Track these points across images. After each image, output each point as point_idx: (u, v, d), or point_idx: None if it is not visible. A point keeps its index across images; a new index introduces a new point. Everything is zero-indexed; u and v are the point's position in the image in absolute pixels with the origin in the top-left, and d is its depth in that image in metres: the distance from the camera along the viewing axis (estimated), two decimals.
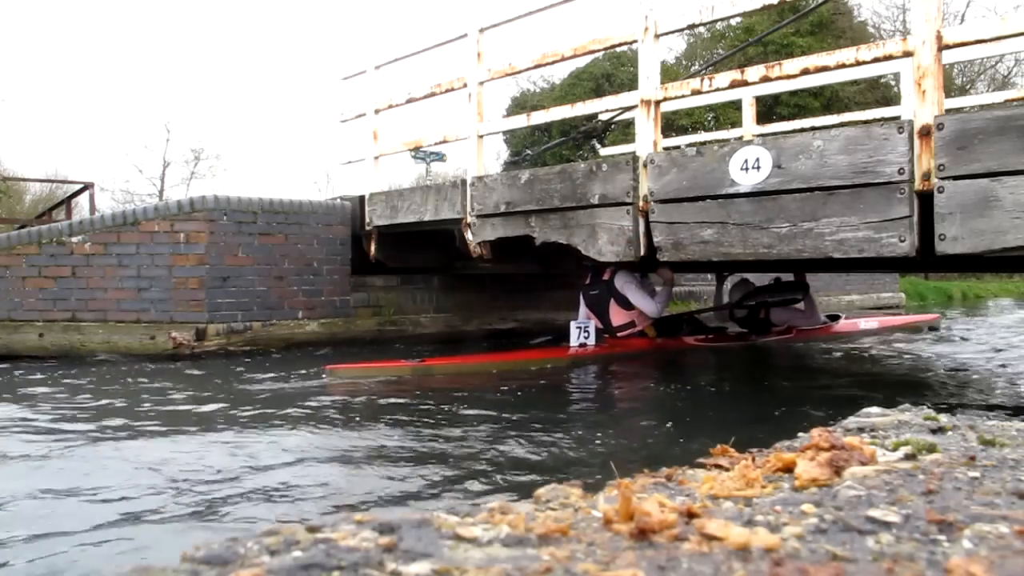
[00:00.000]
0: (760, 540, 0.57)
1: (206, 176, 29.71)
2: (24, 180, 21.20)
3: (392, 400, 4.37)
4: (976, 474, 0.78)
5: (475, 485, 2.69)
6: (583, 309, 6.35)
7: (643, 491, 0.75)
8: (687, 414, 4.07)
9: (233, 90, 46.89)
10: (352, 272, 7.00)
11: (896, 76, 11.54)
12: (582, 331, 6.01)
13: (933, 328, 8.96)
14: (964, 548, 0.56)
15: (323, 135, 44.73)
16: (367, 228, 6.81)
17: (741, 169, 3.77)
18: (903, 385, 5.12)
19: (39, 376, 5.10)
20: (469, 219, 5.43)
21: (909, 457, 0.86)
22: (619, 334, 6.21)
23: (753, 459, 0.85)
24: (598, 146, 17.81)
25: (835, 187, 3.46)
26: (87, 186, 12.52)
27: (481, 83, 5.46)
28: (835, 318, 8.14)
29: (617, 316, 6.16)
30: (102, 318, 6.21)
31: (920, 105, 3.25)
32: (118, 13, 43.81)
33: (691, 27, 5.34)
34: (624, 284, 6.08)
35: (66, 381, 4.94)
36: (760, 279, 7.78)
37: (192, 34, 47.89)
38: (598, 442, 3.33)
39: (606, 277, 6.12)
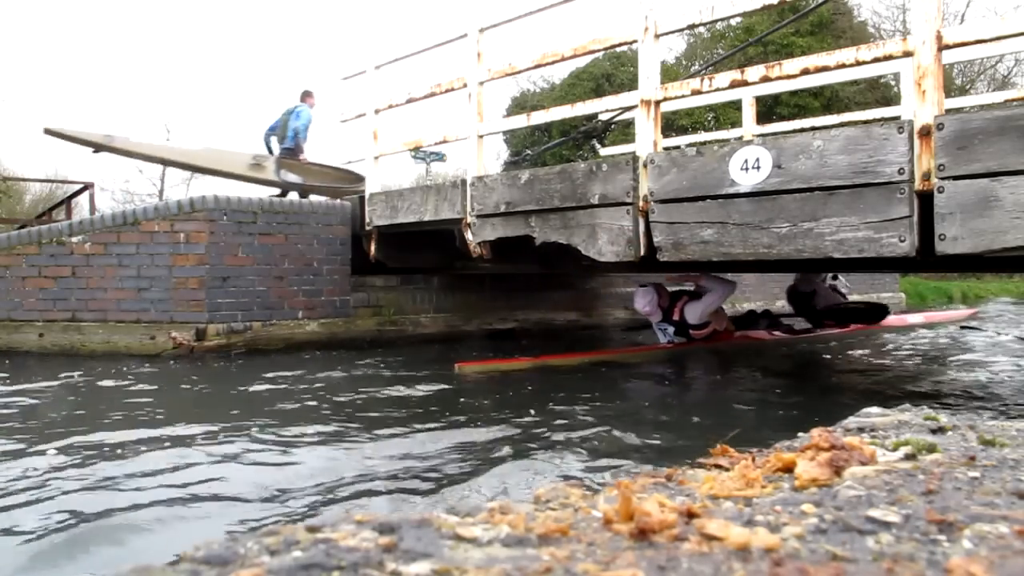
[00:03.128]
0: (760, 540, 0.57)
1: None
2: (24, 180, 21.20)
3: (393, 400, 4.37)
4: (976, 474, 0.77)
5: (484, 482, 2.69)
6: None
7: (643, 491, 0.75)
8: (716, 411, 4.12)
9: (233, 90, 46.89)
10: (352, 272, 7.00)
11: (896, 76, 11.53)
12: (664, 332, 6.56)
13: (967, 327, 9.04)
14: (964, 548, 0.56)
15: (323, 135, 44.69)
16: (367, 228, 6.80)
17: (741, 169, 3.77)
18: (905, 384, 5.12)
19: (43, 375, 5.10)
20: (469, 219, 5.43)
21: (909, 457, 0.86)
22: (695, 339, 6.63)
23: (753, 459, 0.85)
24: (598, 146, 17.81)
25: (835, 187, 3.46)
26: (87, 186, 12.51)
27: (481, 83, 5.46)
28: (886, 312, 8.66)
29: (698, 334, 6.54)
30: (102, 318, 6.21)
31: (920, 105, 3.25)
32: (118, 13, 43.83)
33: (691, 27, 5.34)
34: (695, 313, 6.40)
35: (60, 379, 4.94)
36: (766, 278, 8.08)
37: (192, 34, 47.88)
38: (607, 440, 3.33)
39: (676, 317, 6.46)
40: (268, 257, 6.51)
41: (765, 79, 3.89)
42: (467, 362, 5.47)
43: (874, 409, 1.16)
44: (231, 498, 2.54)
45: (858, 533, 0.60)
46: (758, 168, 3.71)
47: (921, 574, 0.51)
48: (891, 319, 8.54)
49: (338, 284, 6.92)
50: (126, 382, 4.92)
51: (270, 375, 5.21)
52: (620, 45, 4.70)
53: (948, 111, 3.34)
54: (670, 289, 6.71)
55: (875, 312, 8.06)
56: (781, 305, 9.05)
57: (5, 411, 3.94)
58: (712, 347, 6.59)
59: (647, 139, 4.31)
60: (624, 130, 14.64)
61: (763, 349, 7.01)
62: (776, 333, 7.39)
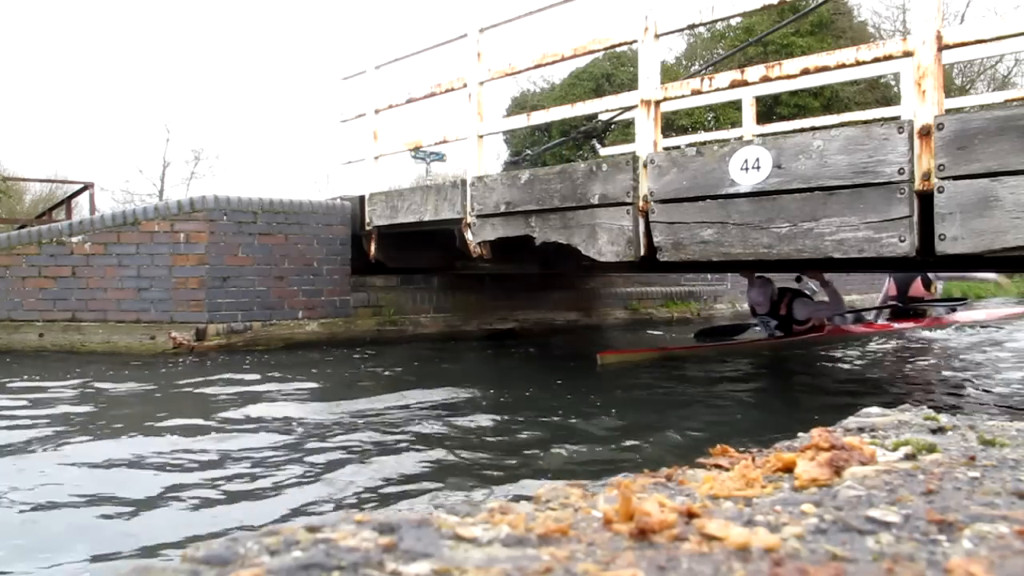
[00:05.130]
0: (760, 540, 0.57)
1: (206, 176, 29.73)
2: (24, 180, 21.20)
3: (392, 399, 4.37)
4: (976, 474, 0.77)
5: (484, 482, 2.69)
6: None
7: (643, 491, 0.75)
8: (720, 411, 4.13)
9: (233, 90, 46.91)
10: (352, 272, 7.00)
11: (896, 76, 11.53)
12: (767, 324, 7.21)
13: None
14: (964, 548, 0.56)
15: (323, 135, 44.75)
16: (367, 228, 6.80)
17: (741, 169, 3.77)
18: (906, 384, 5.12)
19: (43, 376, 5.10)
20: (469, 219, 5.43)
21: (909, 457, 0.86)
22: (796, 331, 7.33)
23: (753, 459, 0.85)
24: (598, 146, 17.79)
25: (835, 187, 3.46)
26: (87, 186, 12.51)
27: (481, 83, 5.46)
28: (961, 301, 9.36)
29: (799, 329, 7.17)
30: (102, 318, 6.21)
31: (920, 105, 3.25)
32: (118, 13, 43.84)
33: (691, 27, 5.34)
34: (804, 312, 6.99)
35: (59, 380, 4.94)
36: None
37: (192, 35, 47.90)
38: (610, 440, 3.33)
39: (783, 312, 7.07)
40: (268, 257, 6.51)
41: (765, 79, 3.89)
42: (608, 352, 5.99)
43: (874, 409, 1.16)
44: (233, 498, 2.54)
45: (858, 533, 0.60)
46: (758, 168, 3.71)
47: (921, 574, 0.51)
48: (959, 316, 9.12)
49: (338, 284, 6.92)
50: (125, 382, 4.92)
51: (270, 374, 5.20)
52: (620, 45, 4.70)
53: (948, 111, 3.34)
54: (778, 286, 7.29)
55: (959, 300, 9.09)
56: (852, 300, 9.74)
57: (8, 411, 3.94)
58: (810, 340, 7.19)
59: (647, 139, 4.31)
60: (624, 130, 14.63)
61: (853, 340, 7.67)
62: (865, 325, 8.19)
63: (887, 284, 9.21)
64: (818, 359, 6.73)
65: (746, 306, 11.10)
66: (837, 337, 7.60)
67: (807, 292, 7.38)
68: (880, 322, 8.56)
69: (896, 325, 8.35)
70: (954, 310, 9.06)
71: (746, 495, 0.72)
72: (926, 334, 8.31)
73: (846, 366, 6.34)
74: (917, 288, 8.75)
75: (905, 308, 8.67)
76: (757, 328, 7.44)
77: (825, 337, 7.44)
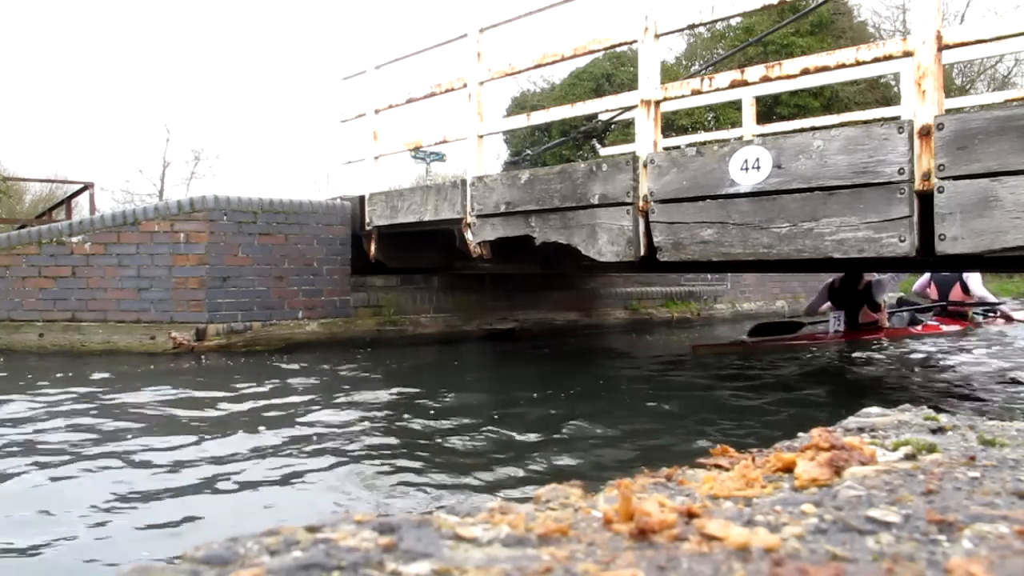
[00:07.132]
0: (760, 540, 0.57)
1: (206, 176, 29.76)
2: (24, 180, 21.22)
3: (387, 398, 4.37)
4: (976, 474, 0.77)
5: (484, 481, 2.69)
6: (827, 305, 7.99)
7: (643, 491, 0.75)
8: (722, 411, 4.15)
9: (233, 90, 46.92)
10: (352, 272, 6.99)
11: (896, 76, 11.53)
12: (836, 320, 7.60)
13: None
14: (964, 548, 0.56)
15: (323, 135, 44.77)
16: (367, 228, 6.80)
17: (741, 169, 3.77)
18: (906, 384, 5.12)
19: (43, 376, 5.10)
20: (469, 219, 5.43)
21: (909, 457, 0.86)
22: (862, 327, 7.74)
23: (753, 459, 0.85)
24: (598, 146, 17.78)
25: (835, 187, 3.46)
26: (87, 186, 12.52)
27: (481, 83, 5.46)
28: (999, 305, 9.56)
29: (864, 317, 7.71)
30: (102, 318, 6.21)
31: (920, 105, 3.25)
32: (119, 13, 43.84)
33: (691, 27, 5.34)
34: (881, 292, 7.64)
35: (60, 380, 4.94)
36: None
37: (192, 35, 47.91)
38: (611, 439, 3.33)
39: (861, 287, 7.64)
40: (268, 257, 6.50)
41: (765, 79, 3.89)
42: (701, 345, 6.93)
43: (874, 409, 1.16)
44: (231, 497, 2.54)
45: (858, 533, 0.60)
46: (758, 168, 3.71)
47: (921, 574, 0.51)
48: (997, 320, 9.34)
49: (338, 284, 6.92)
50: (124, 382, 4.92)
51: (270, 375, 5.20)
52: (620, 45, 4.70)
53: (948, 111, 3.34)
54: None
55: (996, 301, 9.42)
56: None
57: (10, 412, 3.94)
58: (869, 338, 7.61)
59: (647, 139, 4.31)
60: (624, 130, 14.63)
61: (908, 340, 7.99)
62: (919, 327, 8.53)
63: (925, 286, 9.43)
64: (831, 359, 6.75)
65: (746, 305, 11.20)
66: (894, 336, 7.94)
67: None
68: (929, 323, 8.86)
69: (944, 327, 8.66)
70: (991, 312, 9.30)
71: (746, 495, 0.72)
72: (968, 335, 8.49)
73: (852, 366, 6.34)
74: (956, 293, 9.03)
75: (951, 311, 9.00)
76: (828, 322, 7.80)
77: (883, 336, 7.80)
